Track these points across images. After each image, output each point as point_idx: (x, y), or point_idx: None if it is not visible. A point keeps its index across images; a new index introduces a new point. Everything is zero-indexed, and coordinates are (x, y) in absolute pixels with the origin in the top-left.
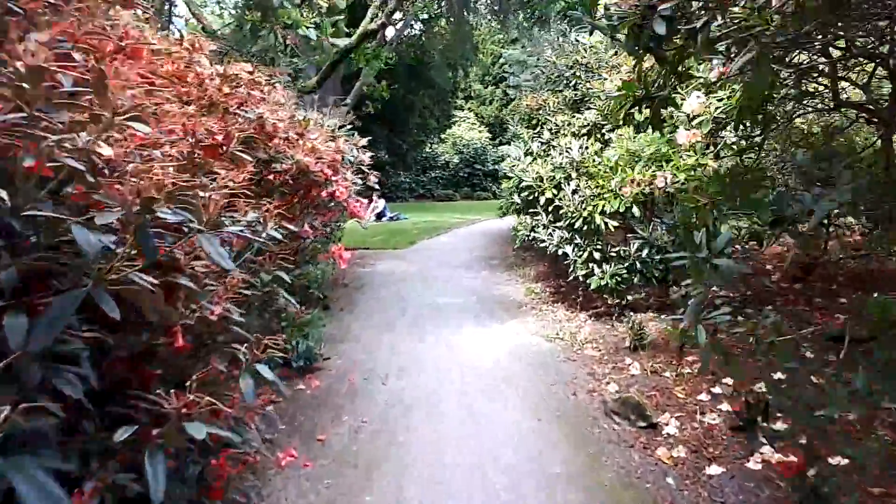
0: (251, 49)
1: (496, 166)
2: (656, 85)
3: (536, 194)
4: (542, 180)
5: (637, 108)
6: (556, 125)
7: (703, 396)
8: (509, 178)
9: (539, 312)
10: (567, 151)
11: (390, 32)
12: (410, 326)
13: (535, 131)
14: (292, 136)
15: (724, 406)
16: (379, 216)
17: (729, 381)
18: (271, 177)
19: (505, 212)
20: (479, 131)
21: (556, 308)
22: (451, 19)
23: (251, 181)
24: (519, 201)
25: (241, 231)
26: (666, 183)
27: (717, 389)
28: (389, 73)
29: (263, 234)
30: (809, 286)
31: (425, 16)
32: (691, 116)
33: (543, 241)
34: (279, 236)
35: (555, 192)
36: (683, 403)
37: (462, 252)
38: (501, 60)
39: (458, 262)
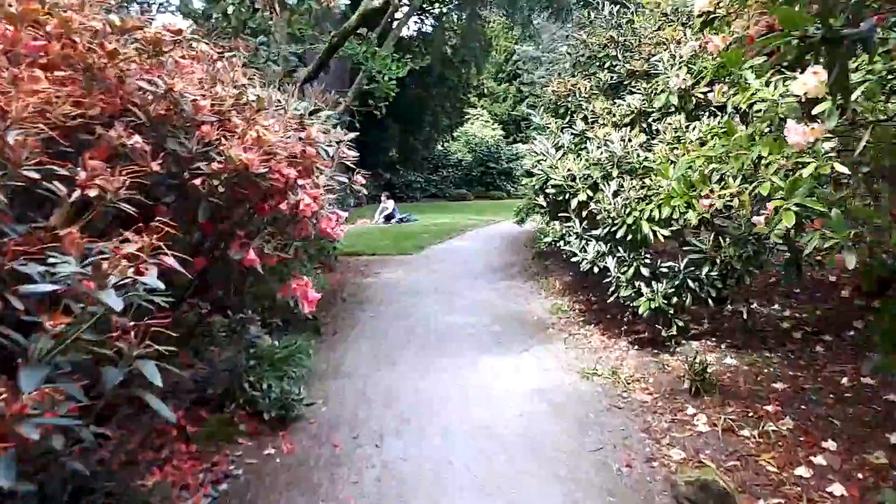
0: (217, 19)
1: (510, 164)
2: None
3: (567, 196)
4: (574, 179)
5: (800, 58)
6: (593, 113)
7: (803, 471)
8: (532, 175)
9: (569, 337)
10: (606, 145)
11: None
12: (416, 357)
13: (566, 121)
14: (237, 121)
15: (837, 489)
16: (388, 218)
17: (832, 444)
18: (198, 182)
19: (524, 216)
20: (493, 129)
21: (588, 331)
22: (463, 15)
23: (142, 188)
24: (544, 203)
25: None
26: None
27: (819, 459)
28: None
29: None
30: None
31: (436, 10)
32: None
33: (575, 254)
34: (156, 284)
35: (590, 193)
36: (778, 482)
37: (477, 258)
38: (515, 57)
39: (473, 270)
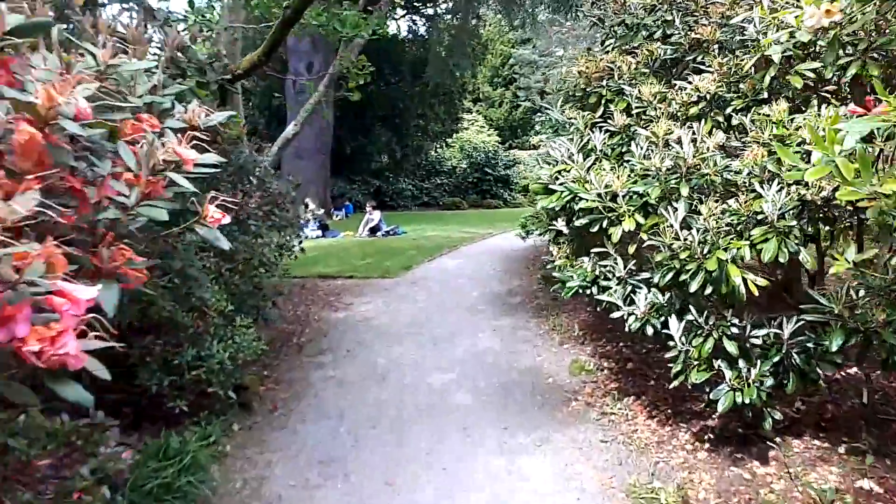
0: None
1: (507, 171)
2: None
3: (605, 223)
4: (614, 198)
5: None
6: (639, 102)
7: None
8: (550, 192)
9: (602, 417)
10: (667, 147)
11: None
12: (382, 459)
13: (598, 115)
14: None
15: None
16: (373, 231)
17: None
18: None
19: (527, 232)
20: (488, 134)
21: (629, 408)
22: (458, 15)
23: None
24: (566, 231)
25: None
26: None
27: None
28: (391, 68)
29: None
30: None
31: (429, 10)
32: None
33: (617, 306)
34: None
35: (640, 219)
36: None
37: (471, 283)
38: (511, 61)
39: (467, 300)
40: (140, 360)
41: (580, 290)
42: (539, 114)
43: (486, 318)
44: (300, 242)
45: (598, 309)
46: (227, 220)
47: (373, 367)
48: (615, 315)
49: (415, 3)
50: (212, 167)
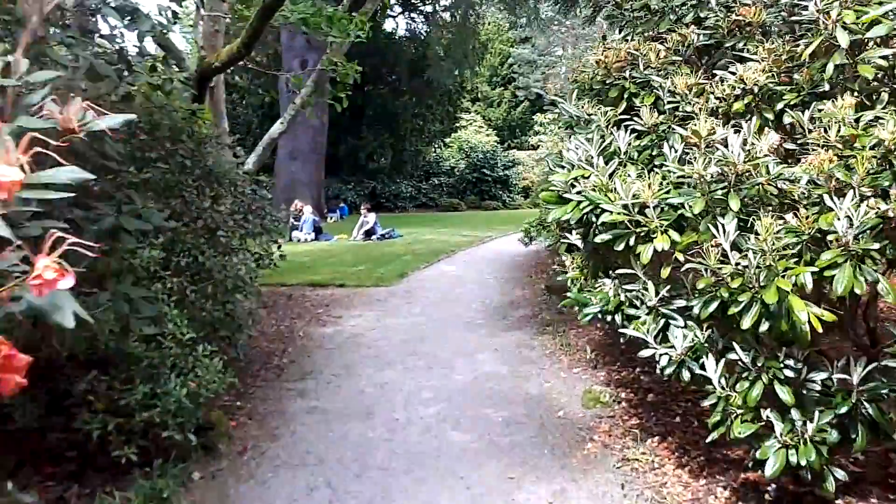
0: None
1: (506, 172)
2: None
3: (632, 240)
4: (643, 211)
5: None
6: (672, 96)
7: None
8: (564, 201)
9: (623, 464)
10: (708, 151)
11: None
12: None
13: (621, 111)
14: None
15: None
16: (368, 234)
17: None
18: None
19: (530, 238)
20: (487, 135)
21: (654, 453)
22: (458, 13)
23: None
24: (580, 245)
25: None
26: None
27: None
28: (388, 67)
29: None
30: None
31: (427, 7)
32: None
33: (646, 342)
34: None
35: (675, 237)
36: None
37: (471, 293)
38: (510, 60)
39: (466, 313)
40: (83, 399)
41: (600, 317)
42: (543, 112)
43: (487, 335)
44: (279, 248)
45: (602, 325)
46: (67, 283)
47: (359, 398)
48: (645, 354)
49: (412, 1)
50: (64, 189)
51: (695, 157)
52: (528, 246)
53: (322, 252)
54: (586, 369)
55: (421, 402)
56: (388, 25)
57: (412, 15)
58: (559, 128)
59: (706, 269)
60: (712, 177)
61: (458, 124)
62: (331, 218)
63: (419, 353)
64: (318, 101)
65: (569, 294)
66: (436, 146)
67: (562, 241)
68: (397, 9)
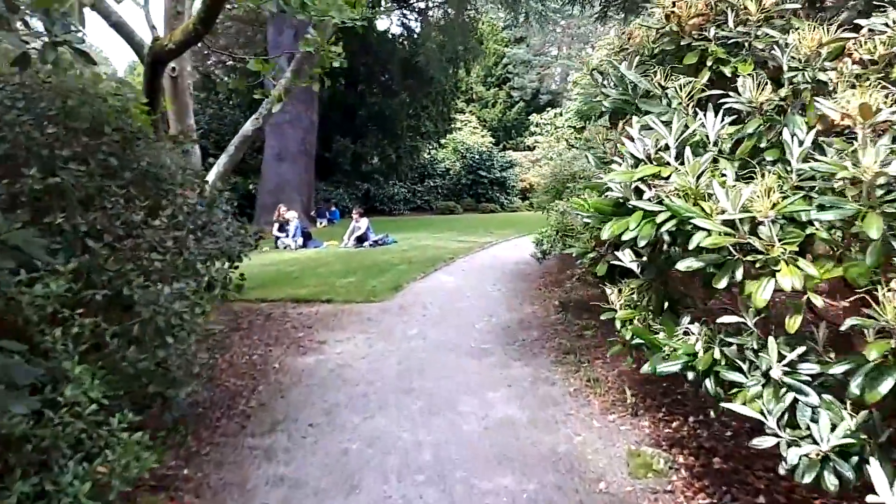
0: None
1: (503, 173)
2: None
3: (739, 272)
4: (755, 231)
5: None
6: (794, 59)
7: None
8: (627, 210)
9: None
10: (869, 139)
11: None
12: None
13: (705, 81)
14: None
15: None
16: (360, 240)
17: None
18: None
19: (544, 252)
20: (482, 135)
21: None
22: (451, 10)
23: None
24: (634, 267)
25: None
26: None
27: None
28: (381, 66)
29: None
30: None
31: (421, 4)
32: None
33: (767, 429)
34: None
35: (808, 268)
36: None
37: (475, 309)
38: (505, 60)
39: (470, 335)
40: None
41: (683, 376)
42: (539, 112)
43: (497, 365)
44: (236, 268)
45: (628, 350)
46: None
47: (342, 461)
48: (763, 444)
49: None
50: None
51: (859, 147)
52: (541, 262)
53: (310, 261)
54: (624, 416)
55: (420, 468)
56: (381, 25)
57: (405, 12)
58: (565, 121)
59: (871, 327)
60: (888, 179)
61: (453, 125)
62: (320, 223)
63: (416, 390)
64: (307, 99)
65: (619, 336)
66: (431, 147)
67: (605, 260)
68: (390, 4)
